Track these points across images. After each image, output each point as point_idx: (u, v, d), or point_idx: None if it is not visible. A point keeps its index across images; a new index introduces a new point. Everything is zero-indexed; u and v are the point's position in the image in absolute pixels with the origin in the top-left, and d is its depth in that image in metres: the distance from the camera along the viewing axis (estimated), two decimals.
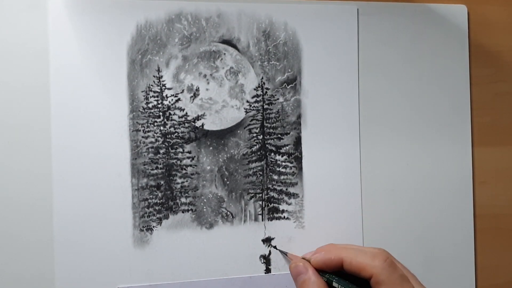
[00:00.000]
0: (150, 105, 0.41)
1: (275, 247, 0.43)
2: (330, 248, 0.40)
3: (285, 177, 0.43)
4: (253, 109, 0.43)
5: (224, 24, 0.43)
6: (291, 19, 0.43)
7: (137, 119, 0.41)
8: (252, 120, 0.43)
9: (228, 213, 0.42)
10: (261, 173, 0.43)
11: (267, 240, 0.43)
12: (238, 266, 0.42)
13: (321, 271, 0.39)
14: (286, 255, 0.43)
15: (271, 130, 0.43)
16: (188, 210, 0.42)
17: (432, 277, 0.46)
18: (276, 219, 0.43)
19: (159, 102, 0.42)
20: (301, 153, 0.44)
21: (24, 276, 0.39)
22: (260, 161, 0.43)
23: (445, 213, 0.46)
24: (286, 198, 0.43)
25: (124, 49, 0.41)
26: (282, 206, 0.43)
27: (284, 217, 0.43)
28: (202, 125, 0.42)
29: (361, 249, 0.39)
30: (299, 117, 0.44)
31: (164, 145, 0.42)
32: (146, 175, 0.41)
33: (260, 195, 0.43)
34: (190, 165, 0.42)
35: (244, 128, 0.43)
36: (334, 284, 0.38)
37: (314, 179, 0.44)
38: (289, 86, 0.44)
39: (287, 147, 0.43)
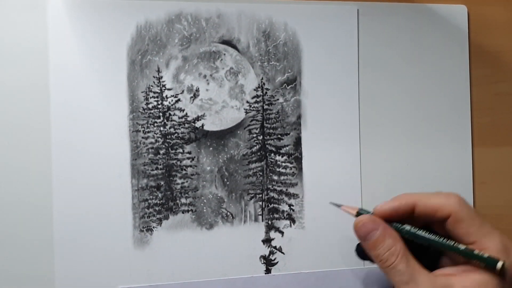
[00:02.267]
0: (150, 106, 0.41)
1: (333, 203, 0.40)
2: (397, 197, 0.37)
3: (285, 177, 0.43)
4: (253, 110, 0.43)
5: (224, 24, 0.43)
6: (291, 20, 0.43)
7: (137, 119, 0.41)
8: (252, 120, 0.43)
9: (228, 213, 0.42)
10: (261, 173, 0.43)
11: (267, 241, 0.43)
12: (238, 266, 0.42)
13: (387, 221, 0.36)
14: (340, 207, 0.39)
15: (271, 131, 0.43)
16: (188, 211, 0.42)
17: None
18: (276, 220, 0.43)
19: (159, 102, 0.42)
20: (301, 153, 0.44)
21: (24, 277, 0.39)
22: (260, 162, 0.43)
23: None
24: (286, 199, 0.43)
25: (124, 49, 0.41)
26: (282, 207, 0.43)
27: (284, 217, 0.43)
28: (202, 125, 0.42)
29: (430, 193, 0.36)
30: (299, 117, 0.44)
31: (164, 146, 0.42)
32: (146, 175, 0.41)
33: (260, 195, 0.43)
34: (190, 166, 0.42)
35: (244, 128, 0.43)
36: (405, 234, 0.35)
37: (314, 180, 0.44)
38: (289, 86, 0.43)
39: (287, 148, 0.43)
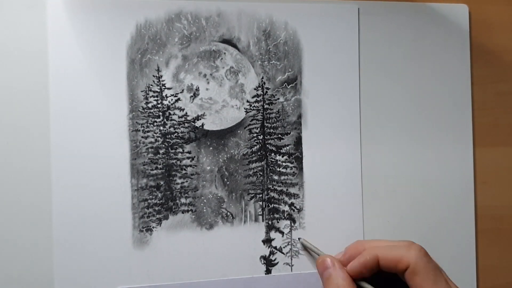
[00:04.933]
0: (149, 105, 0.41)
1: (299, 239, 0.43)
2: (359, 246, 0.40)
3: (286, 177, 0.43)
4: (254, 109, 0.43)
5: (224, 23, 0.42)
6: (292, 19, 0.43)
7: (136, 119, 0.41)
8: (252, 120, 0.43)
9: (228, 213, 0.42)
10: (261, 173, 0.43)
11: (268, 241, 0.43)
12: (238, 267, 0.42)
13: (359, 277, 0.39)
14: (310, 251, 0.42)
15: (271, 130, 0.43)
16: (188, 211, 0.42)
17: None
18: (277, 220, 0.43)
19: (159, 102, 0.41)
20: (301, 153, 0.43)
21: (23, 277, 0.39)
22: (260, 161, 0.43)
23: (446, 213, 0.46)
24: (286, 199, 0.43)
25: (123, 48, 0.41)
26: (283, 207, 0.43)
27: (285, 217, 0.43)
28: (202, 125, 0.42)
29: (393, 243, 0.39)
30: (299, 117, 0.43)
31: (163, 145, 0.41)
32: (145, 175, 0.41)
33: (261, 195, 0.43)
34: (190, 165, 0.42)
35: (244, 128, 0.43)
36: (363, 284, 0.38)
37: (315, 180, 0.43)
38: (290, 85, 0.43)
39: (288, 147, 0.43)
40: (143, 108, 0.41)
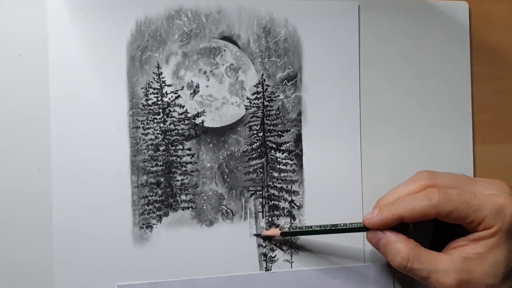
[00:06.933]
0: (149, 102, 0.41)
1: (259, 235, 0.43)
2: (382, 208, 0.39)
3: (286, 174, 0.43)
4: (253, 106, 0.43)
5: (224, 20, 0.42)
6: (292, 16, 0.43)
7: (136, 116, 0.41)
8: (252, 117, 0.43)
9: (228, 210, 0.42)
10: (261, 170, 0.43)
11: (268, 238, 0.43)
12: (238, 264, 0.42)
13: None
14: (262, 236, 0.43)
15: (271, 127, 0.43)
16: (188, 208, 0.42)
17: None
18: (277, 217, 0.43)
19: (159, 99, 0.41)
20: (301, 150, 0.43)
21: (23, 274, 0.39)
22: (260, 159, 0.43)
23: None
24: (286, 196, 0.43)
25: (123, 45, 0.41)
26: (283, 204, 0.43)
27: (285, 214, 0.43)
28: (202, 122, 0.42)
29: (407, 187, 0.40)
30: (299, 114, 0.43)
31: (164, 142, 0.41)
32: (145, 172, 0.41)
33: (261, 192, 0.43)
34: (190, 162, 0.42)
35: (244, 125, 0.43)
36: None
37: (315, 177, 0.43)
38: (290, 83, 0.43)
39: (288, 144, 0.43)
40: (143, 105, 0.41)
